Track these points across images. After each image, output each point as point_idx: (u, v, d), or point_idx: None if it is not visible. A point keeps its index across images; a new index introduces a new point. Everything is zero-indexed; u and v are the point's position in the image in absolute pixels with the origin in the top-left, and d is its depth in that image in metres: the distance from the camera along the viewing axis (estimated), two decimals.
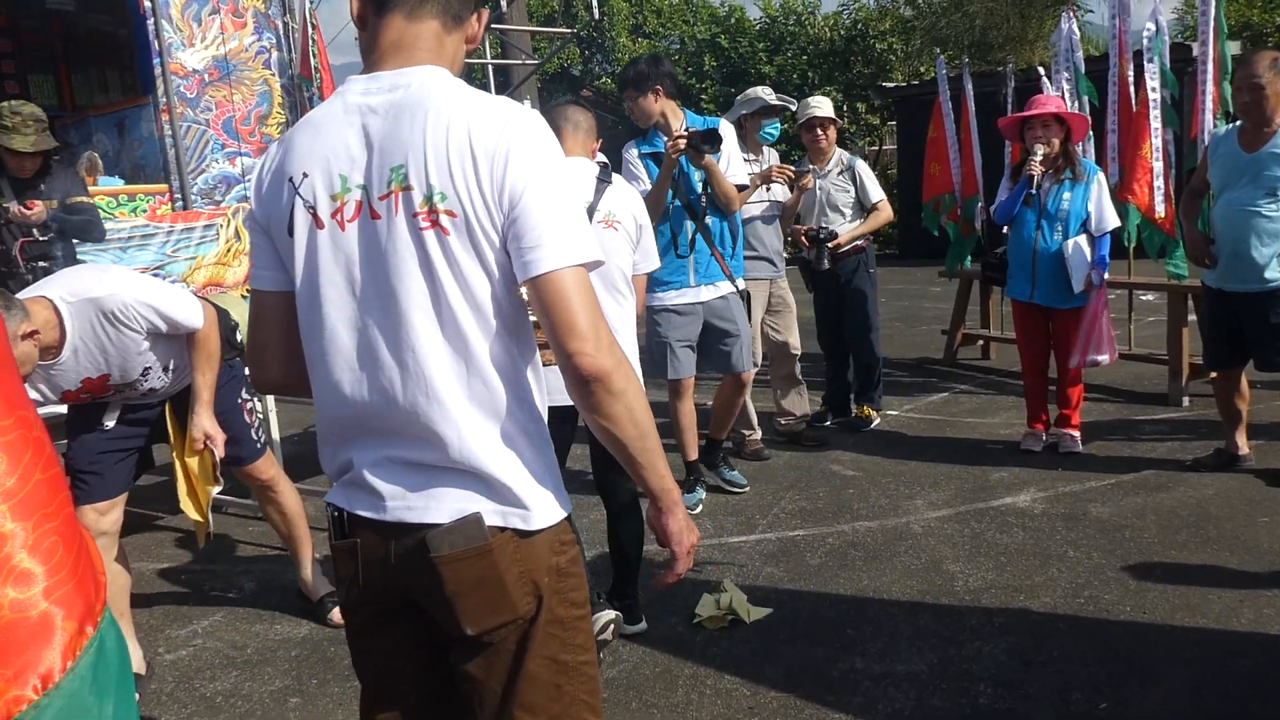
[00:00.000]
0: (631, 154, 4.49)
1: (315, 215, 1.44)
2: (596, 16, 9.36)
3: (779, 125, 5.39)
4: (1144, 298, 8.53)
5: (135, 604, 3.79)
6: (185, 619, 3.77)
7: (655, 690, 3.00)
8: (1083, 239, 4.74)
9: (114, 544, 3.23)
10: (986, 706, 2.78)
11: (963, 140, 7.20)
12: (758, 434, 5.31)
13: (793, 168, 5.12)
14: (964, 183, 7.19)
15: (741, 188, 4.49)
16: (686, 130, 4.19)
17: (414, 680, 1.56)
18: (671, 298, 4.42)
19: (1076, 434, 5.00)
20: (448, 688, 1.53)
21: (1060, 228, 4.76)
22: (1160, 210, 5.55)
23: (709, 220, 4.44)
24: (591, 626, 1.57)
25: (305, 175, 1.45)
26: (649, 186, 4.28)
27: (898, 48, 17.21)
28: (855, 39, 17.71)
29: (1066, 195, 4.76)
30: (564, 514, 1.49)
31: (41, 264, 4.69)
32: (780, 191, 5.23)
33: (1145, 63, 5.65)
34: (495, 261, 1.38)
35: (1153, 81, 5.57)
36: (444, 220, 1.36)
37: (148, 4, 5.77)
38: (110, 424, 3.20)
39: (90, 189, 5.19)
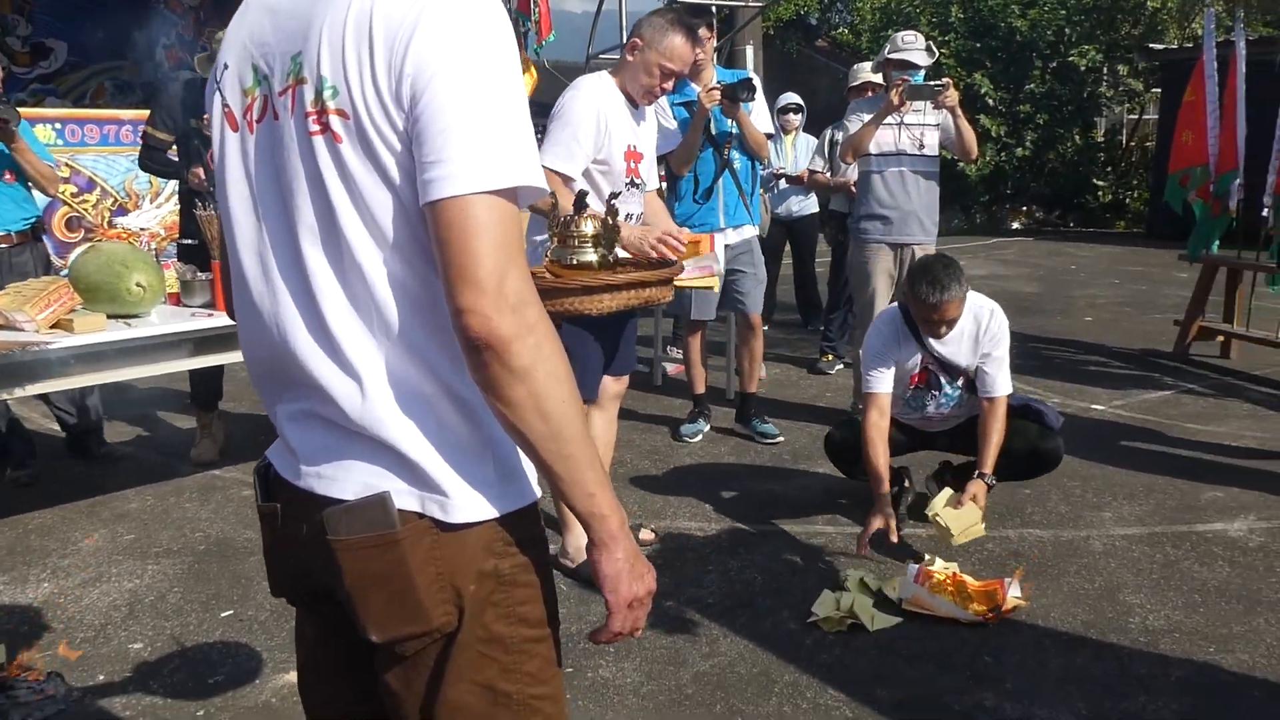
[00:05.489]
0: (661, 100, 4.57)
1: (230, 115, 1.17)
2: None
3: (921, 77, 4.59)
4: None
5: None
6: None
7: (746, 694, 2.65)
8: None
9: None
10: None
11: (1225, 107, 6.22)
12: None
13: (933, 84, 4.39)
14: (1221, 155, 6.20)
15: (768, 136, 4.77)
16: (719, 83, 4.40)
17: (345, 677, 1.27)
18: None
19: None
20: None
21: None
22: None
23: (736, 162, 4.61)
24: (555, 651, 1.20)
25: (226, 66, 1.17)
26: (675, 130, 4.52)
27: (1172, 6, 15.44)
28: None
29: None
30: (514, 506, 1.14)
31: None
32: (931, 143, 4.62)
33: None
34: (402, 176, 1.04)
35: None
36: (334, 122, 1.04)
37: None
38: None
39: None
